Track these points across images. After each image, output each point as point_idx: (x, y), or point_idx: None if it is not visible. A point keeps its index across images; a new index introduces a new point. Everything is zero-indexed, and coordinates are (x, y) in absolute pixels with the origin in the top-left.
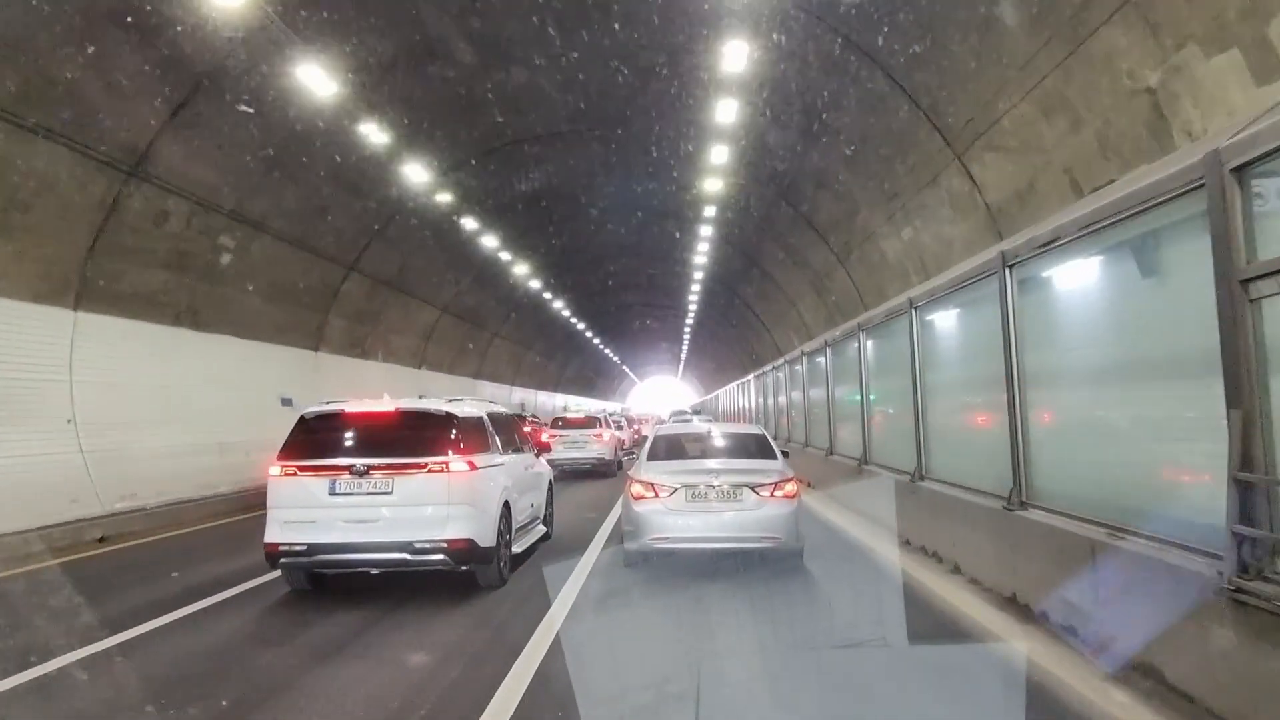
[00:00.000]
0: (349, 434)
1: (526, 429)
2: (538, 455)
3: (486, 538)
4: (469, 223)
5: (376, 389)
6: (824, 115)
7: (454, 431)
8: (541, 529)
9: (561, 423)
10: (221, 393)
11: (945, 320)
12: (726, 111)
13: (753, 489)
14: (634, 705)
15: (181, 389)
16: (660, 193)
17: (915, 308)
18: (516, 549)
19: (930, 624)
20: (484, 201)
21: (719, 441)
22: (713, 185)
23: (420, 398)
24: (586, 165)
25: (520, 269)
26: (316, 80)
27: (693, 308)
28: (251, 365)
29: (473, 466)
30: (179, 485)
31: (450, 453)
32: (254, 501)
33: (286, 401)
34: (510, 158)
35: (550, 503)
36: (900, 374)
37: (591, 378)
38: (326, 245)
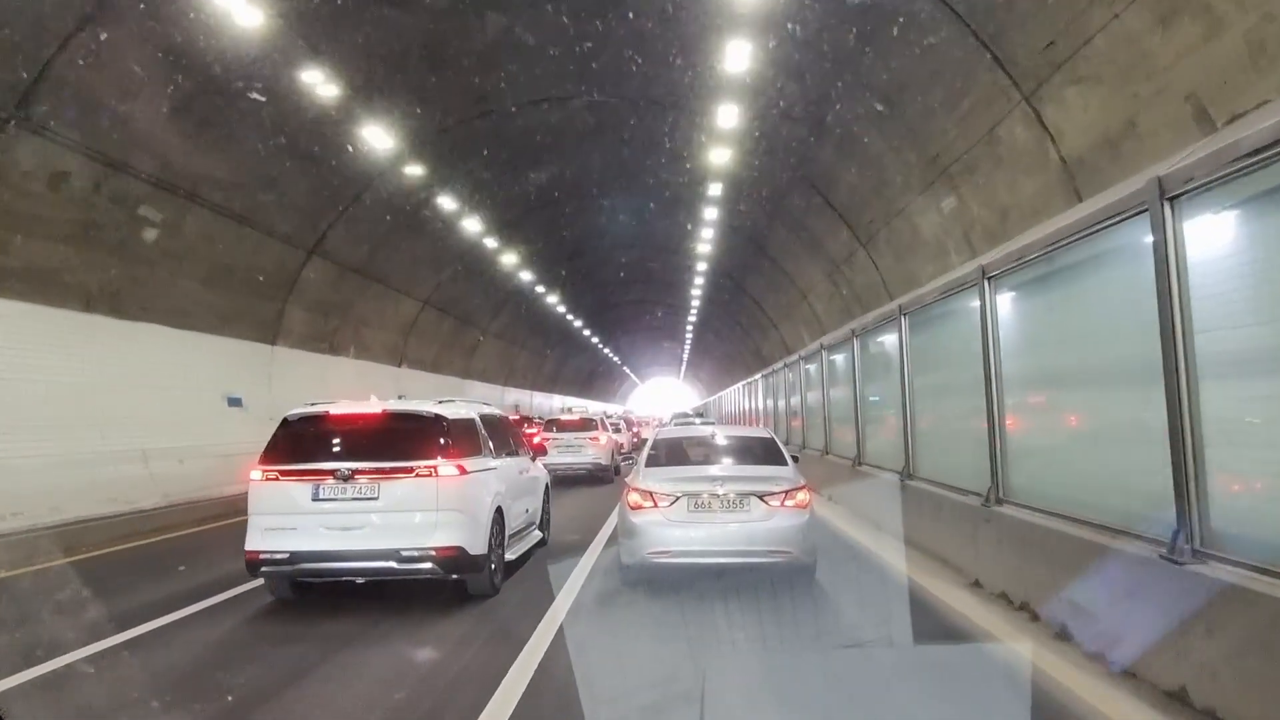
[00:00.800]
0: (333, 437)
1: (532, 431)
2: (534, 459)
3: (477, 545)
4: (447, 202)
5: (347, 388)
6: (853, 61)
7: (443, 434)
8: (537, 535)
9: (555, 425)
10: (148, 391)
11: (1032, 293)
12: (737, 58)
13: (761, 498)
14: (639, 705)
15: (97, 386)
16: (661, 167)
17: (989, 278)
18: (510, 556)
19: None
20: (464, 179)
21: (724, 445)
22: (719, 157)
23: (400, 398)
24: (578, 135)
25: (509, 258)
26: (247, 13)
27: (695, 303)
28: (188, 359)
29: (463, 471)
30: (82, 501)
31: (439, 456)
32: (183, 519)
33: (234, 401)
34: (493, 129)
35: (547, 508)
36: (959, 366)
37: (590, 379)
38: (280, 224)
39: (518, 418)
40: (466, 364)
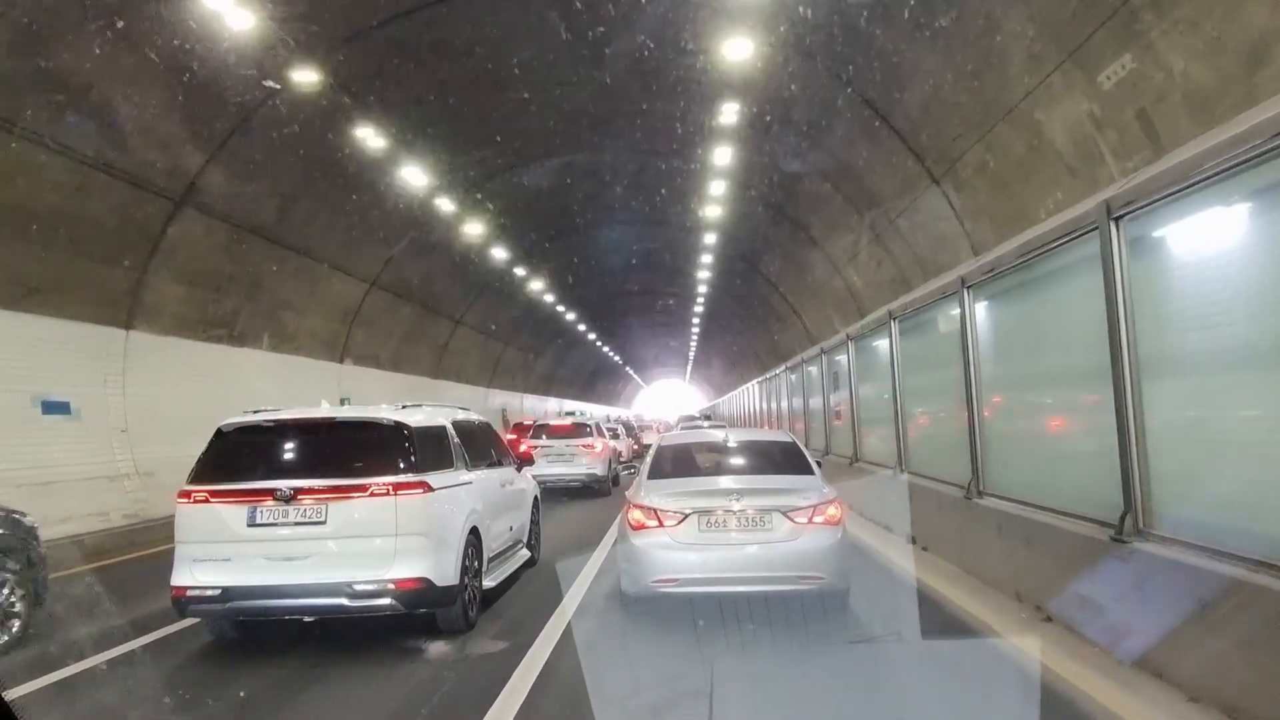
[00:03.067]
0: (275, 451)
1: (513, 438)
2: (519, 469)
3: (446, 575)
4: (373, 139)
5: (259, 390)
6: None
7: (406, 445)
8: (525, 554)
9: (544, 431)
10: None
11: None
12: None
13: (785, 514)
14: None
15: None
16: (660, 70)
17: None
18: (490, 582)
19: None
20: (402, 106)
21: (738, 452)
22: (737, 51)
23: (343, 403)
24: (546, 43)
25: (473, 228)
26: None
27: (703, 289)
28: None
29: (427, 488)
30: None
31: (400, 471)
32: None
33: (55, 407)
34: (443, 35)
35: (536, 522)
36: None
37: (591, 381)
38: (118, 154)
39: (525, 424)
40: (436, 361)
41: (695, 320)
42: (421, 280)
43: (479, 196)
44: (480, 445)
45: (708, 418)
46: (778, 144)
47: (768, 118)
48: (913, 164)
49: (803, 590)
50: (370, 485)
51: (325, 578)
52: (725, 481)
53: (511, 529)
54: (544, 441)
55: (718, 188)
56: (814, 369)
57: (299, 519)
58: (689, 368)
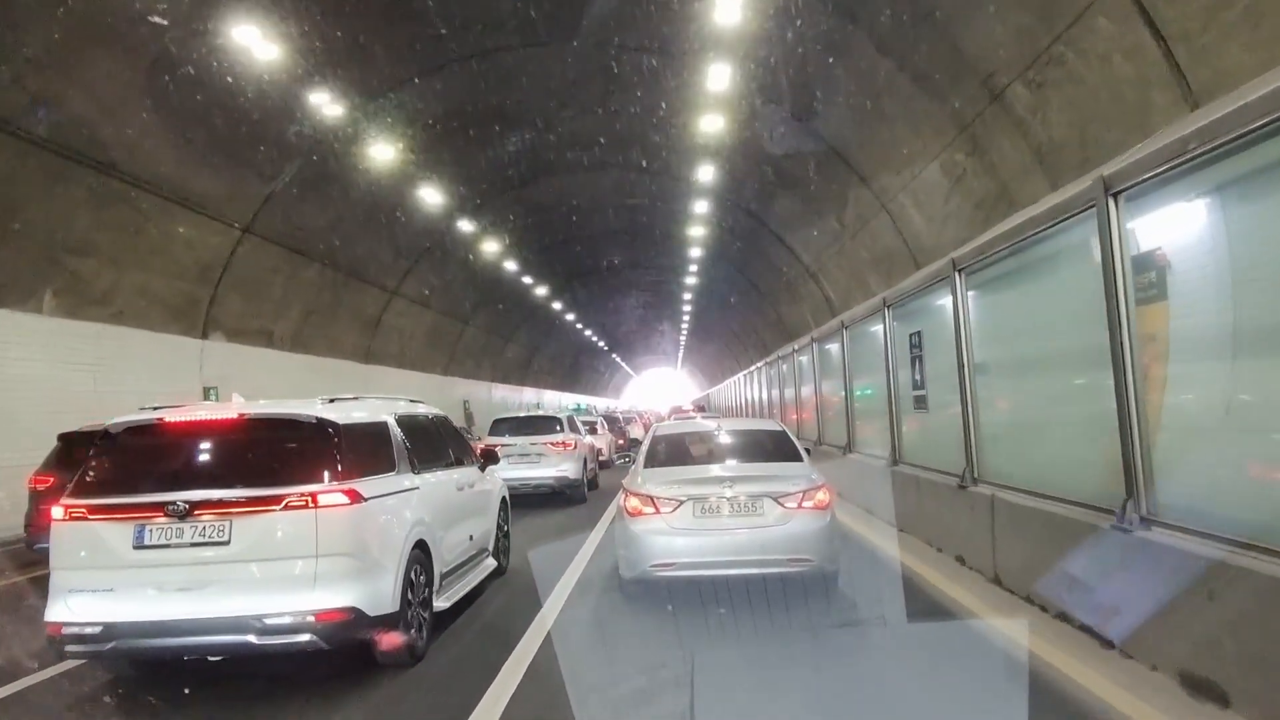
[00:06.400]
0: (170, 457)
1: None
2: (483, 468)
3: (381, 601)
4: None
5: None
6: None
7: (332, 446)
8: (490, 563)
9: (506, 426)
10: None
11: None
12: None
13: (776, 499)
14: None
15: None
16: None
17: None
18: (444, 603)
19: None
20: None
21: (730, 441)
22: None
23: (208, 394)
24: None
25: (390, 155)
26: None
27: (697, 254)
28: None
29: (357, 497)
30: None
31: (323, 478)
32: None
33: None
34: None
35: (505, 527)
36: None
37: (574, 369)
38: None
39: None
40: (366, 342)
41: (686, 301)
42: (329, 231)
43: (396, 109)
44: (434, 443)
45: (701, 409)
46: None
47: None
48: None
49: (793, 573)
50: (285, 496)
51: (229, 610)
52: (718, 469)
53: (472, 538)
54: (506, 439)
55: (717, 75)
56: (833, 346)
57: (197, 539)
58: (680, 354)
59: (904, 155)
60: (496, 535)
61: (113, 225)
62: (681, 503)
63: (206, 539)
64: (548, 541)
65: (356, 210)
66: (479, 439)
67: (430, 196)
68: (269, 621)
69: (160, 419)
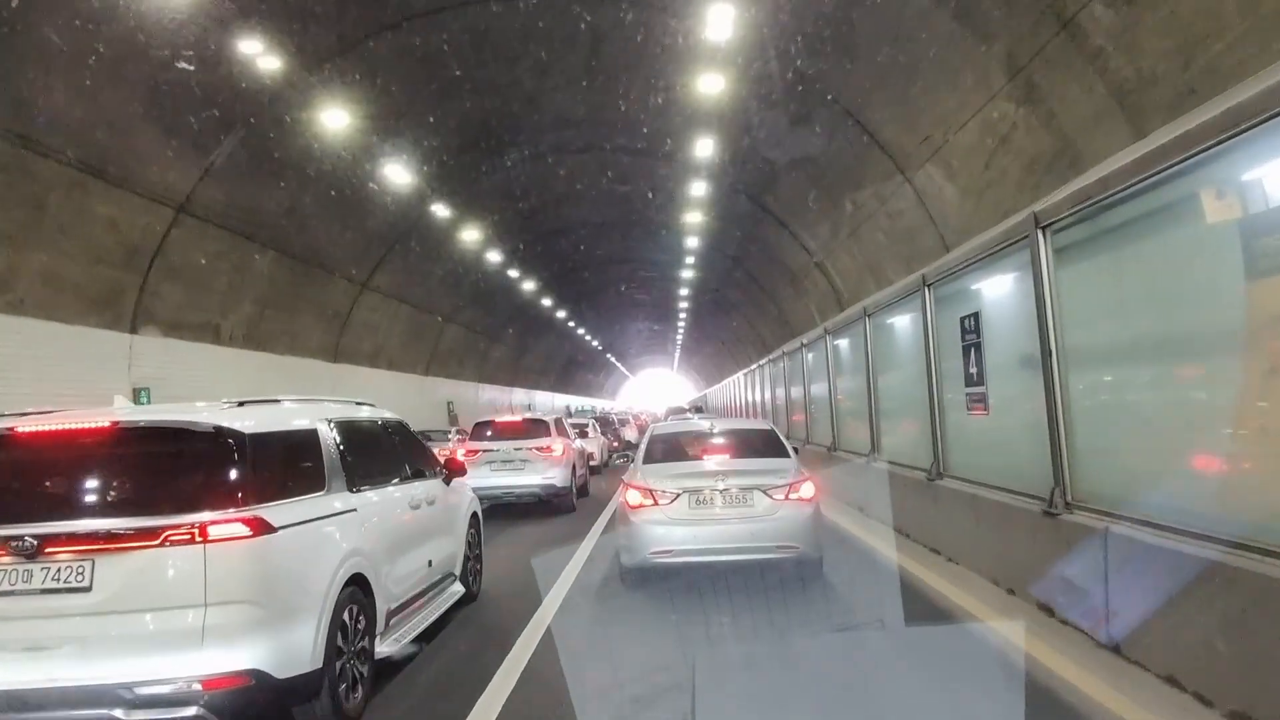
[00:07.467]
0: (19, 478)
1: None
2: (448, 481)
3: (296, 659)
4: None
5: None
6: None
7: (232, 463)
8: (456, 589)
9: (488, 431)
10: None
11: None
12: None
13: (764, 492)
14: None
15: None
16: None
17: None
18: (388, 648)
19: None
20: None
21: (723, 439)
22: None
23: (139, 397)
24: None
25: (343, 123)
26: None
27: (694, 243)
28: None
29: (262, 528)
30: None
31: (218, 504)
32: None
33: None
34: None
35: (475, 546)
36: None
37: (568, 370)
38: None
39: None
40: (334, 340)
41: (683, 297)
42: (284, 213)
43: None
44: (383, 454)
45: (698, 409)
46: None
47: None
48: None
49: (781, 559)
50: (165, 529)
51: (89, 677)
52: (712, 464)
53: (431, 564)
54: (486, 444)
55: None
56: (844, 341)
57: (49, 584)
58: (676, 353)
59: (935, 115)
60: (465, 556)
61: (10, 199)
62: (678, 495)
63: (62, 584)
64: (529, 557)
65: (315, 190)
66: (461, 435)
67: (397, 175)
68: (141, 691)
69: (11, 429)
